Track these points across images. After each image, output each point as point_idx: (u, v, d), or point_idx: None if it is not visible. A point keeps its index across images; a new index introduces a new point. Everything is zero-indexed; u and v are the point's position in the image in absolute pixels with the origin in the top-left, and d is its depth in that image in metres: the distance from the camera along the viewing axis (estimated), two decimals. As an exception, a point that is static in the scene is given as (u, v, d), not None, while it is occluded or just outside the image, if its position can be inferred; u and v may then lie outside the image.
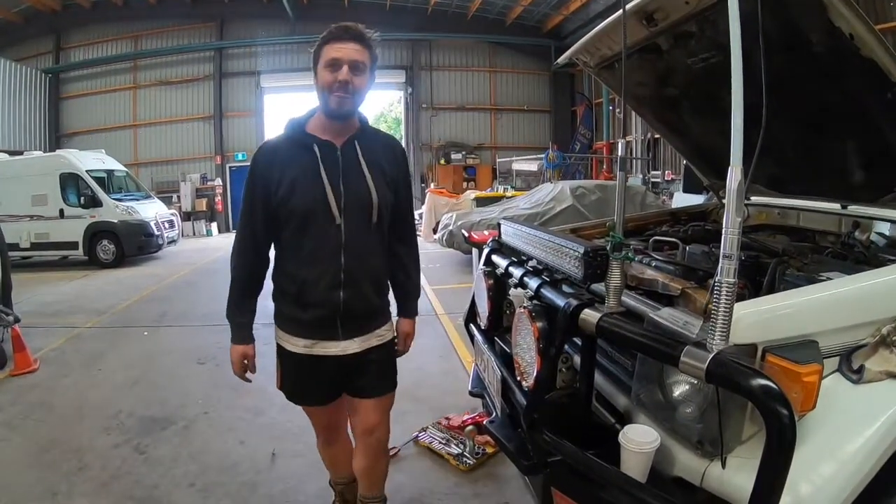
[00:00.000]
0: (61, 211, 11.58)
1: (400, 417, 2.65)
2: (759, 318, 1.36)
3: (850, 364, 1.41)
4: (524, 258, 2.23)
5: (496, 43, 18.78)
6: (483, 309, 2.43)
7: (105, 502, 3.01)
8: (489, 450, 3.21)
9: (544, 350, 1.61)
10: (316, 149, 1.94)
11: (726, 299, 1.20)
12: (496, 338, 2.33)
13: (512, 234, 2.36)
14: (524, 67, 19.10)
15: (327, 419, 2.28)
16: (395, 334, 2.23)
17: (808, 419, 1.30)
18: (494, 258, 2.43)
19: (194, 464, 3.39)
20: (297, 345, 2.05)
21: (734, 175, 1.20)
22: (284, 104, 19.49)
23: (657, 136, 11.44)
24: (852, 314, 1.46)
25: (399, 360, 2.26)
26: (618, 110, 14.33)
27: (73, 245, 11.68)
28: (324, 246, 1.96)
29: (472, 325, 2.60)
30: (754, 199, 2.91)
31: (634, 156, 14.49)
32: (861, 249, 2.11)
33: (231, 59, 17.99)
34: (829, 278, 1.66)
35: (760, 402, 1.12)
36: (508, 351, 2.04)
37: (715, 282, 1.22)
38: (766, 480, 1.13)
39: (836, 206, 2.44)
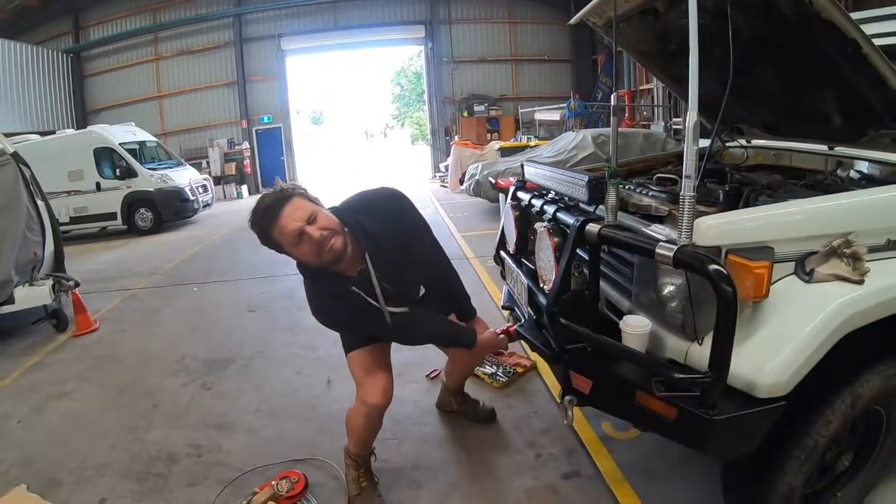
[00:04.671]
0: (98, 184, 11.88)
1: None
2: (722, 228, 1.68)
3: (804, 267, 1.72)
4: (544, 192, 2.58)
5: (515, -6, 18.60)
6: (511, 236, 2.83)
7: (181, 431, 3.33)
8: (519, 370, 3.60)
9: (560, 258, 2.00)
10: (358, 290, 2.23)
11: (689, 207, 1.59)
12: (523, 259, 2.71)
13: (534, 172, 2.73)
14: (544, 18, 18.79)
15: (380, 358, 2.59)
16: None
17: (768, 307, 1.65)
18: (519, 194, 2.79)
19: (258, 394, 3.75)
20: None
21: (691, 117, 1.61)
22: (307, 65, 19.51)
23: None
24: (804, 228, 1.76)
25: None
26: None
27: (111, 216, 12.04)
28: None
29: (502, 251, 2.98)
30: (753, 141, 3.14)
31: (656, 103, 14.46)
32: (830, 182, 2.37)
33: (251, 24, 18.02)
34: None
35: (712, 280, 1.49)
36: (533, 268, 2.43)
37: (680, 195, 1.59)
38: (719, 339, 1.52)
39: (823, 148, 2.66)
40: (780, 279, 1.70)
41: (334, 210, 2.27)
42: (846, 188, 2.19)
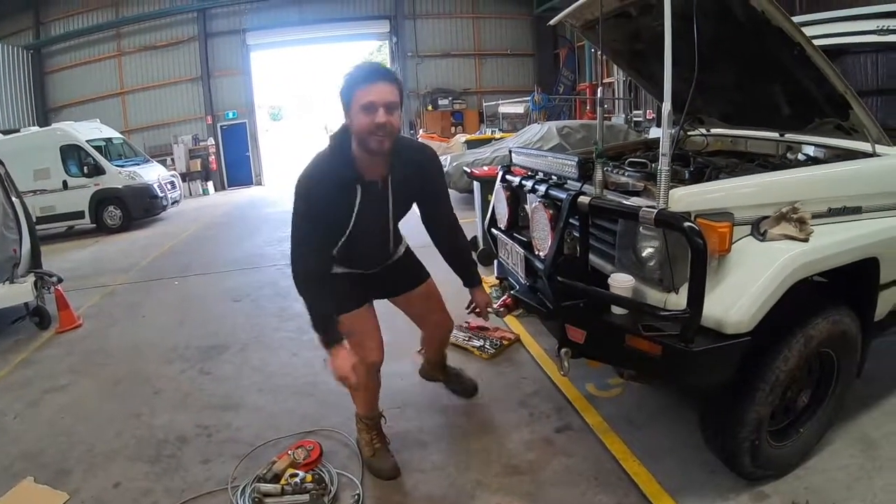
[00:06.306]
0: (65, 182, 11.60)
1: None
2: (692, 198, 2.03)
3: (759, 229, 2.07)
4: (531, 174, 2.89)
5: (478, -11, 18.82)
6: (503, 213, 3.16)
7: (187, 414, 3.40)
8: (505, 342, 3.89)
9: (555, 226, 2.32)
10: (359, 190, 2.28)
11: (665, 178, 1.94)
12: (514, 234, 3.04)
13: (524, 155, 3.10)
14: (506, 12, 19.12)
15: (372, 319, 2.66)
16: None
17: (730, 261, 2.01)
18: (508, 177, 3.12)
19: (258, 375, 3.88)
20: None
21: (666, 106, 1.97)
22: (266, 61, 19.44)
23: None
24: (758, 198, 2.12)
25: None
26: (600, 53, 14.57)
27: (79, 214, 11.77)
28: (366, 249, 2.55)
29: (493, 229, 3.29)
30: (712, 130, 3.47)
31: (617, 96, 14.87)
32: (779, 162, 2.72)
33: (215, 18, 17.79)
34: None
35: (686, 234, 1.84)
36: (524, 240, 2.78)
37: (658, 169, 1.94)
38: (695, 282, 1.85)
39: (774, 135, 3.00)
40: (739, 239, 2.05)
41: None
42: (794, 167, 2.53)
